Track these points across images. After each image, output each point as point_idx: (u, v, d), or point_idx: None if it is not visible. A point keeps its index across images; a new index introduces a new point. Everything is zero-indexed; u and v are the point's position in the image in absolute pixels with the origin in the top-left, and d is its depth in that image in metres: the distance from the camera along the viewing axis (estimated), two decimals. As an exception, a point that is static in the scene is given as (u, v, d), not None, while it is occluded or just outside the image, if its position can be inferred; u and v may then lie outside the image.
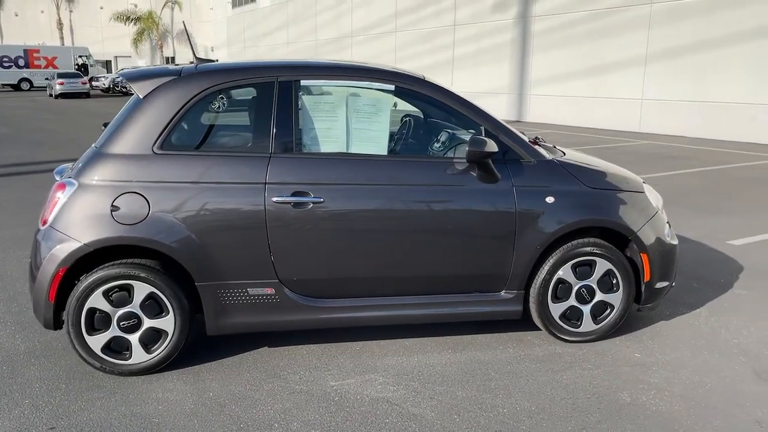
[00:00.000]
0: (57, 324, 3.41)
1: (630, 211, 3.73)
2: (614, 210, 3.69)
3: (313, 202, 3.41)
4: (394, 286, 3.60)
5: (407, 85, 3.63)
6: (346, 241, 3.47)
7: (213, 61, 4.02)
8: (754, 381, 3.33)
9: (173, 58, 58.52)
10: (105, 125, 4.01)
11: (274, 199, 3.38)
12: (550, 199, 3.61)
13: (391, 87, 3.62)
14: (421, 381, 3.36)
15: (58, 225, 3.31)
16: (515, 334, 3.91)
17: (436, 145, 3.98)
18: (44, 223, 3.38)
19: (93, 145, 3.68)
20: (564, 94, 17.25)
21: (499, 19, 19.21)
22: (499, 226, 3.57)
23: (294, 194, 3.40)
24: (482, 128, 3.62)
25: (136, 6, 57.91)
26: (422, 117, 4.30)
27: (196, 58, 3.99)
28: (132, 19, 55.12)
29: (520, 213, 3.58)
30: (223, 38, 47.06)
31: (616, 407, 3.09)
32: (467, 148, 3.43)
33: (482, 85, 20.03)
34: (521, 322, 4.00)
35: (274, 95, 3.48)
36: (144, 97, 3.45)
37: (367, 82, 3.62)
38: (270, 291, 3.47)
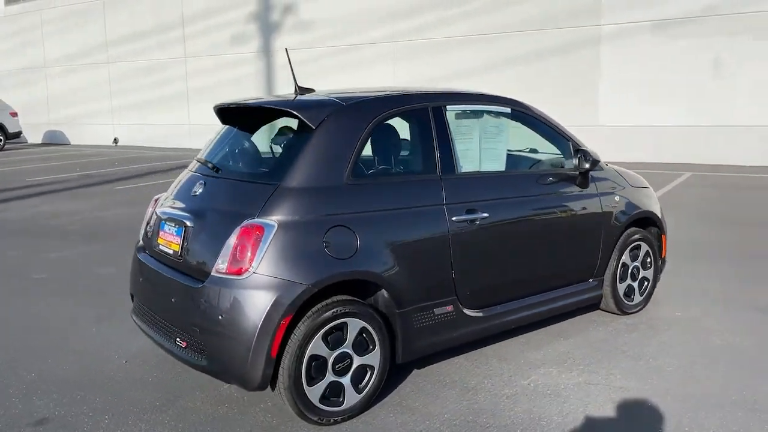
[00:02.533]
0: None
1: (653, 202, 4.76)
2: (649, 202, 4.68)
3: (481, 218, 3.65)
4: (530, 287, 4.01)
5: (519, 108, 4.09)
6: (501, 251, 3.79)
7: (313, 90, 3.89)
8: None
9: None
10: (206, 162, 3.61)
11: (454, 218, 3.54)
12: (617, 198, 4.42)
13: (508, 110, 4.05)
14: (582, 364, 3.84)
15: (268, 270, 2.98)
16: (581, 318, 4.59)
17: None
18: (241, 272, 2.99)
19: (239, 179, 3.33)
20: (315, 123, 18.26)
21: (239, 52, 19.41)
22: (593, 224, 4.26)
23: (467, 212, 3.60)
24: (570, 144, 4.26)
25: None
26: None
27: (299, 87, 3.83)
28: None
29: (604, 211, 4.31)
30: None
31: (730, 349, 4.00)
32: (590, 159, 4.06)
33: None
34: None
35: (430, 121, 3.62)
36: (317, 126, 3.28)
37: (492, 106, 3.99)
38: (450, 308, 3.58)
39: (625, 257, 4.52)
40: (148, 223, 3.85)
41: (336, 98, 3.49)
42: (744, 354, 3.94)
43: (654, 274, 4.77)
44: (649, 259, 4.71)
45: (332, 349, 3.13)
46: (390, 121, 3.56)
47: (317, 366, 3.09)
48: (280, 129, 3.56)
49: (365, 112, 3.42)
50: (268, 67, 19.01)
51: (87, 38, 23.40)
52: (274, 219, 3.05)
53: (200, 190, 3.47)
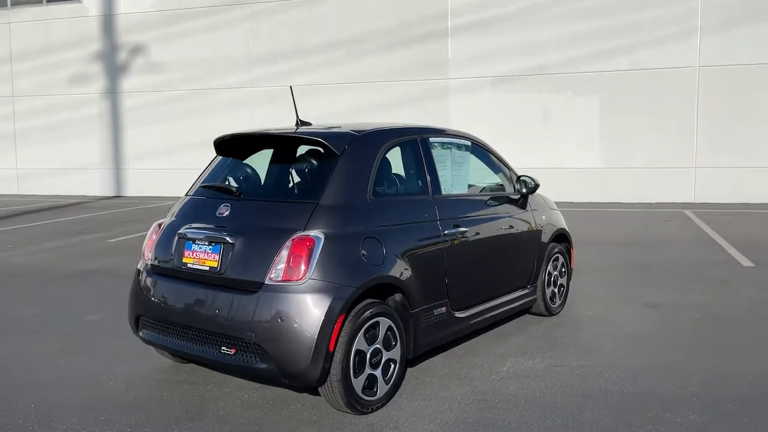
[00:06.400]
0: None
1: (564, 221, 5.75)
2: (562, 221, 5.66)
3: (462, 232, 4.33)
4: (494, 291, 4.73)
5: (477, 142, 4.87)
6: (475, 260, 4.48)
7: (311, 123, 4.34)
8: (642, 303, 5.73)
9: None
10: (219, 187, 3.90)
11: (446, 231, 4.18)
12: (543, 218, 5.34)
13: (469, 143, 4.81)
14: (540, 353, 4.59)
15: (321, 275, 3.39)
16: (516, 321, 5.40)
17: None
18: (297, 279, 3.36)
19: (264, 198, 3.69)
20: (168, 167, 17.86)
21: (80, 92, 18.48)
22: (531, 238, 5.12)
23: (454, 227, 4.26)
24: (511, 173, 5.11)
25: None
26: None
27: (300, 121, 4.28)
28: None
29: (536, 228, 5.20)
30: None
31: (638, 333, 5.00)
32: (534, 184, 4.92)
33: (61, 161, 18.73)
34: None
35: (420, 150, 4.25)
36: (341, 153, 3.76)
37: (460, 140, 4.73)
38: (444, 310, 4.17)
39: (550, 267, 5.43)
40: (157, 247, 4.00)
41: (348, 130, 4.00)
42: (649, 335, 4.97)
43: (567, 281, 5.74)
44: (564, 269, 5.68)
45: (369, 344, 3.57)
46: (392, 149, 4.13)
47: (360, 360, 3.51)
48: (299, 156, 3.98)
49: (376, 141, 3.99)
50: (114, 107, 18.33)
51: None
52: (320, 232, 3.47)
53: (227, 212, 3.75)
